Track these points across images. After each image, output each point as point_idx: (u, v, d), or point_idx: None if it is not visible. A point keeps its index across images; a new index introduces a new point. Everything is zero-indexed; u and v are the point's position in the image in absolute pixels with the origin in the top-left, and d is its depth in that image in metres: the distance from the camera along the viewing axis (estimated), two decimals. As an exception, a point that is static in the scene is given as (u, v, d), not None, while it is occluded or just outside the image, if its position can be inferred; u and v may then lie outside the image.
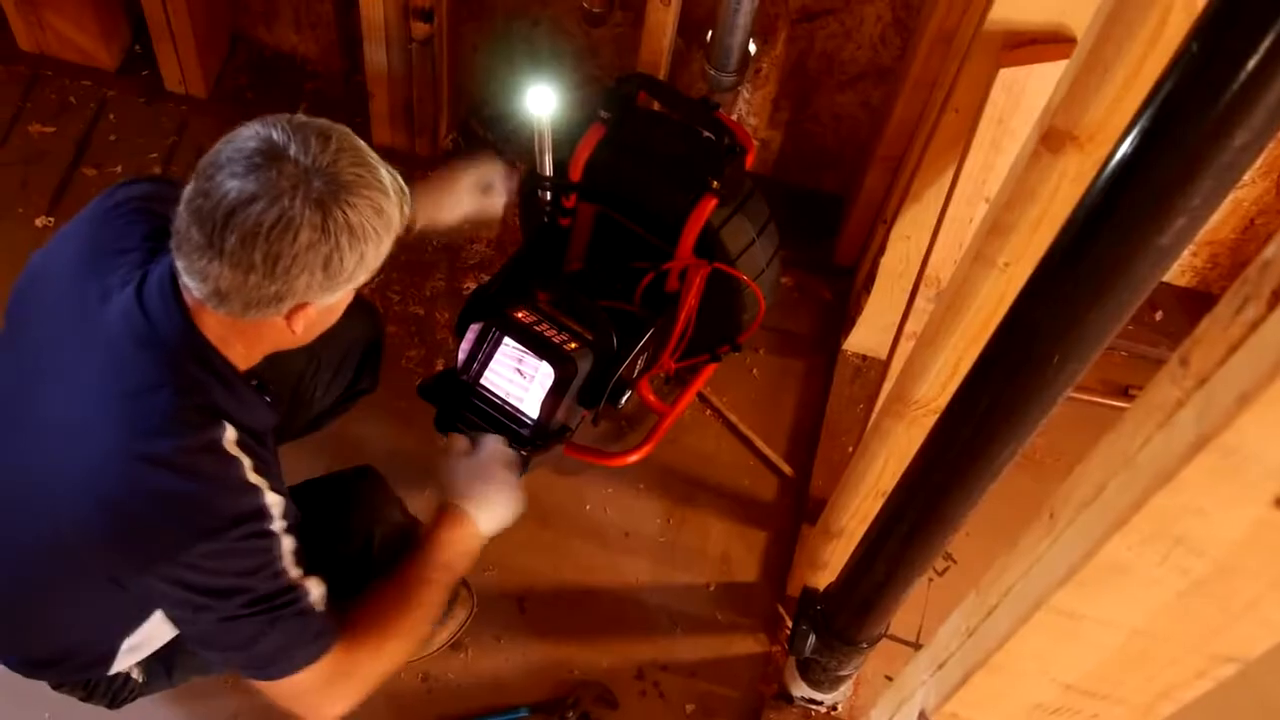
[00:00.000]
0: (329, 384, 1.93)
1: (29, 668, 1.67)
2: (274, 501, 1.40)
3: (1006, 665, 0.88)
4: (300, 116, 1.34)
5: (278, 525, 1.40)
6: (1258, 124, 0.79)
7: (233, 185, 1.27)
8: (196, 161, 1.33)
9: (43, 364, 1.45)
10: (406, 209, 1.40)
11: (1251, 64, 0.76)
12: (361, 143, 1.37)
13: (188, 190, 1.31)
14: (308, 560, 1.45)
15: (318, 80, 2.74)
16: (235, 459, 1.38)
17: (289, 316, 1.36)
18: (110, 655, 1.65)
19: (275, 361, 1.51)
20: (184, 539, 1.35)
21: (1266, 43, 0.74)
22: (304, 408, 1.92)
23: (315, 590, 1.45)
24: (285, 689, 1.47)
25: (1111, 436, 0.69)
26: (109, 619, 1.61)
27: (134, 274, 1.41)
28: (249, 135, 1.31)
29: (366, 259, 1.35)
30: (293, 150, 1.29)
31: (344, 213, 1.30)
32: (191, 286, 1.32)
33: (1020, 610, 0.82)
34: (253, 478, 1.39)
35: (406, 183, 1.42)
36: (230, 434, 1.38)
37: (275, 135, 1.30)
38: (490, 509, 1.67)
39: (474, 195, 1.88)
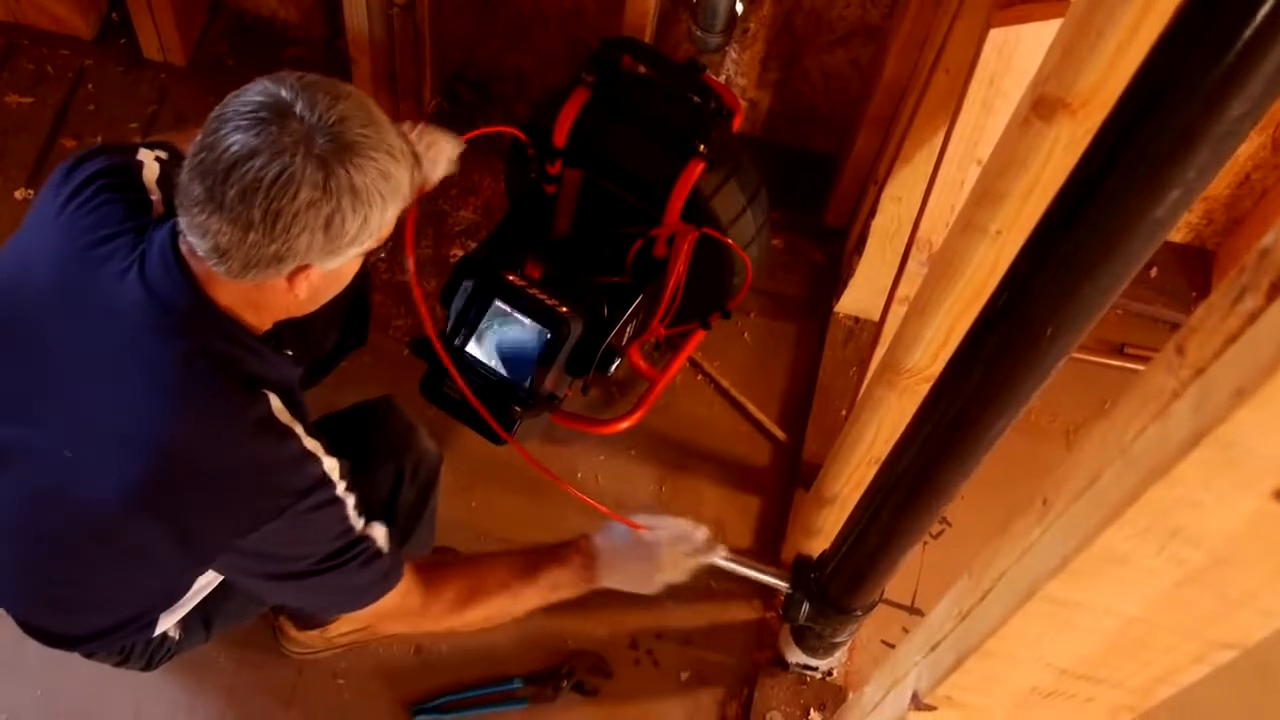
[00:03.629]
0: (321, 339, 1.92)
1: (68, 643, 1.65)
2: (331, 466, 1.42)
3: (1000, 650, 0.87)
4: (311, 75, 1.31)
5: (340, 488, 1.43)
6: (1254, 94, 0.77)
7: (236, 139, 1.25)
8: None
9: (60, 365, 1.41)
10: (417, 175, 1.37)
11: (1248, 32, 0.73)
12: (374, 106, 1.33)
13: (194, 144, 1.28)
14: (365, 506, 1.49)
15: (299, 46, 2.70)
16: (288, 429, 1.38)
17: (291, 279, 1.33)
18: (153, 623, 1.65)
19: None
20: (255, 519, 1.38)
21: (1263, 11, 0.72)
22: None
23: (379, 535, 1.50)
24: (357, 615, 1.60)
25: (1106, 425, 0.67)
26: (159, 593, 1.61)
27: (130, 257, 1.37)
28: (257, 91, 1.28)
29: (370, 223, 1.32)
30: (299, 107, 1.27)
31: (348, 173, 1.27)
32: (194, 244, 1.30)
33: (1013, 596, 0.80)
34: (309, 444, 1.40)
35: None
36: (275, 403, 1.38)
37: (283, 92, 1.28)
38: (617, 577, 1.78)
39: (449, 164, 1.84)
